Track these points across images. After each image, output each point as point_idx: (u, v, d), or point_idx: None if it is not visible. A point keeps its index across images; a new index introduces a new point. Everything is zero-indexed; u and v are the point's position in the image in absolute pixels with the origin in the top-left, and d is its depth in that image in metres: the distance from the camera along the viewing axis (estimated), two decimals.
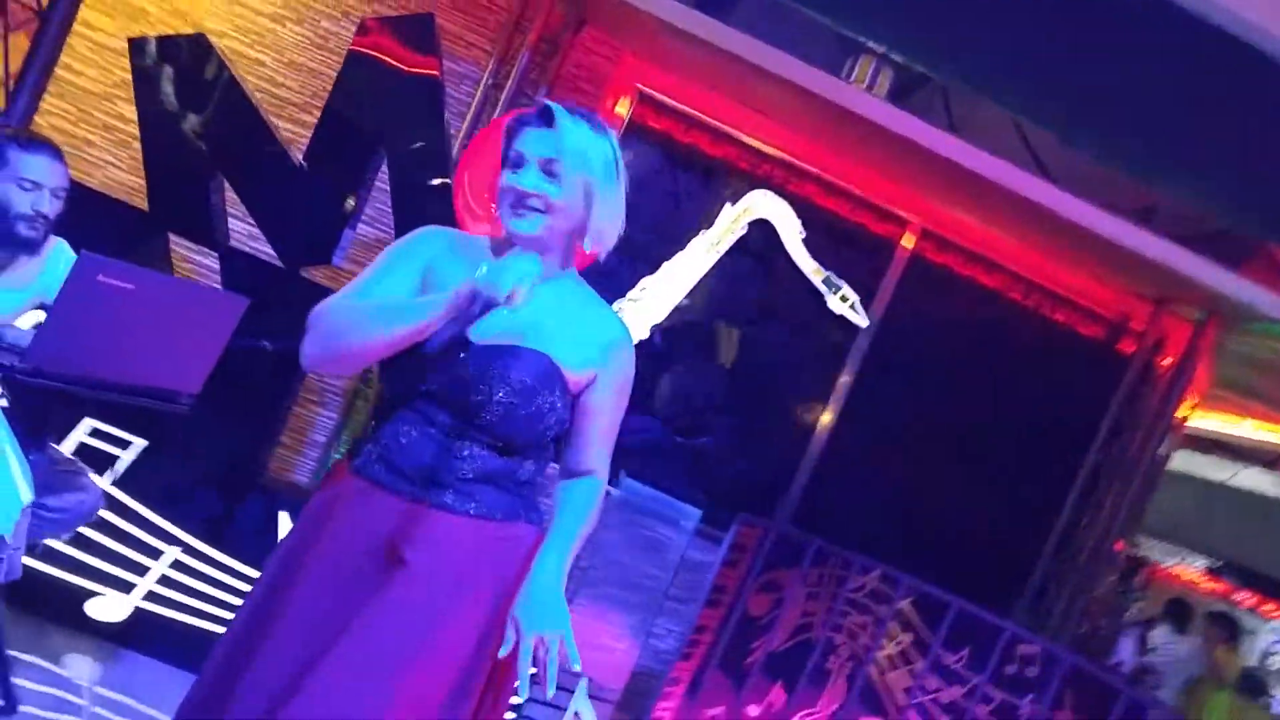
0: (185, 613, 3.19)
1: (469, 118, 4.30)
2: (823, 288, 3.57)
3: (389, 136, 3.42)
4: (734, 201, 3.76)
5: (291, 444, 4.27)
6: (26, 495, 2.26)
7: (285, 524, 3.28)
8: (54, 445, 2.80)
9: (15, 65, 3.49)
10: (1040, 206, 4.15)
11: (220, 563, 3.23)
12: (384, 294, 1.75)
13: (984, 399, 4.86)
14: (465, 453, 1.72)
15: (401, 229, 3.40)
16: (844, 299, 3.58)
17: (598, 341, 1.79)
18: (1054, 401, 4.90)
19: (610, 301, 3.28)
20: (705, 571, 3.47)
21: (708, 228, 3.75)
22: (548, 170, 1.71)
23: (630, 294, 3.53)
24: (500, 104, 4.31)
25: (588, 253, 1.83)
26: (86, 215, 2.82)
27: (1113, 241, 4.20)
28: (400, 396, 1.74)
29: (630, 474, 3.53)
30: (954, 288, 4.85)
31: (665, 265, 3.55)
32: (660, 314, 3.52)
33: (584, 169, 1.72)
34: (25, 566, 2.99)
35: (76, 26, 4.01)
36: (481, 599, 1.74)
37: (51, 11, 3.37)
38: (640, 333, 3.50)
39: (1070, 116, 4.24)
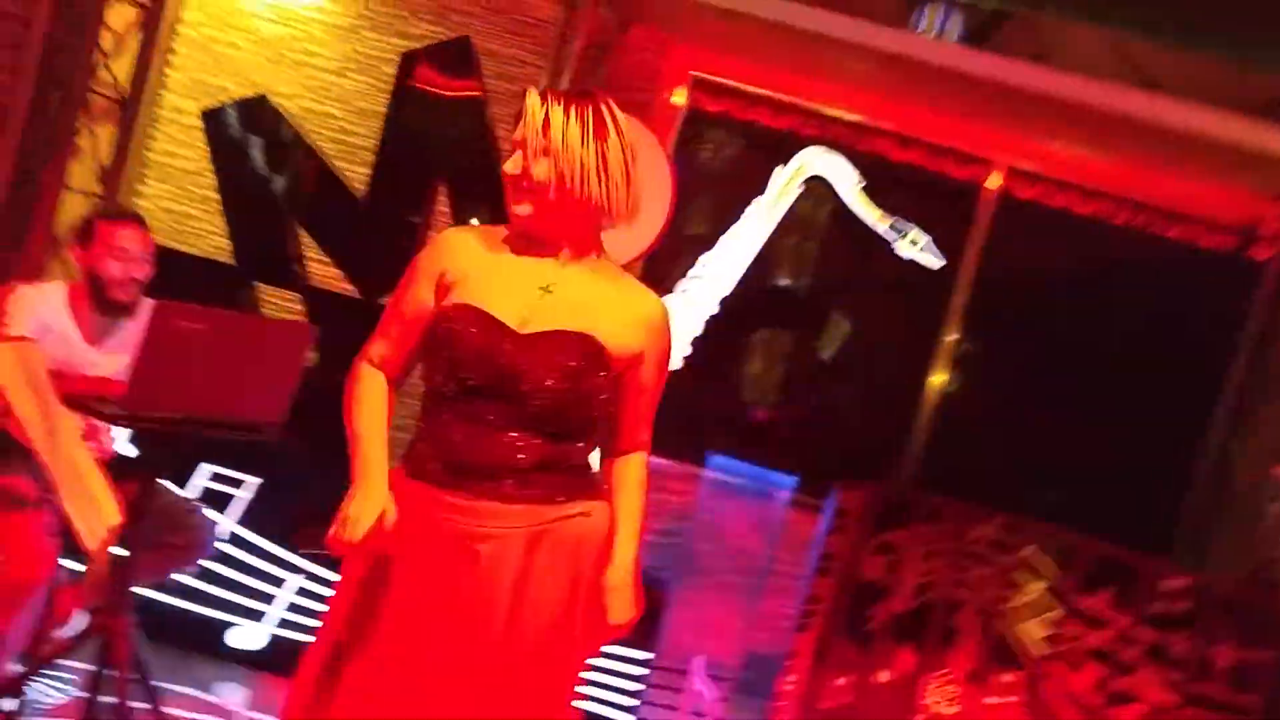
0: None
1: None
2: (890, 234, 3.50)
3: (443, 161, 3.57)
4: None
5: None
6: (115, 517, 2.46)
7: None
8: (169, 486, 3.05)
9: (106, 150, 3.83)
10: (1150, 121, 3.95)
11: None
12: (408, 311, 1.83)
13: (1100, 332, 4.62)
14: (519, 443, 1.74)
15: None
16: (913, 242, 3.50)
17: (639, 319, 1.82)
18: (1180, 323, 4.62)
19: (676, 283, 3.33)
20: (807, 543, 3.43)
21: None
22: (538, 150, 1.74)
23: (691, 272, 3.56)
24: None
25: (612, 226, 1.85)
26: (184, 277, 3.08)
27: (1238, 143, 3.95)
28: (446, 393, 1.77)
29: (722, 450, 3.55)
30: (1051, 221, 4.64)
31: (722, 239, 3.57)
32: (724, 289, 3.53)
33: (577, 151, 1.74)
34: (164, 603, 3.27)
35: (166, 112, 4.37)
36: (557, 579, 1.78)
37: (133, 99, 3.69)
38: (708, 309, 3.52)
39: (1185, 18, 4.01)
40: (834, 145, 4.36)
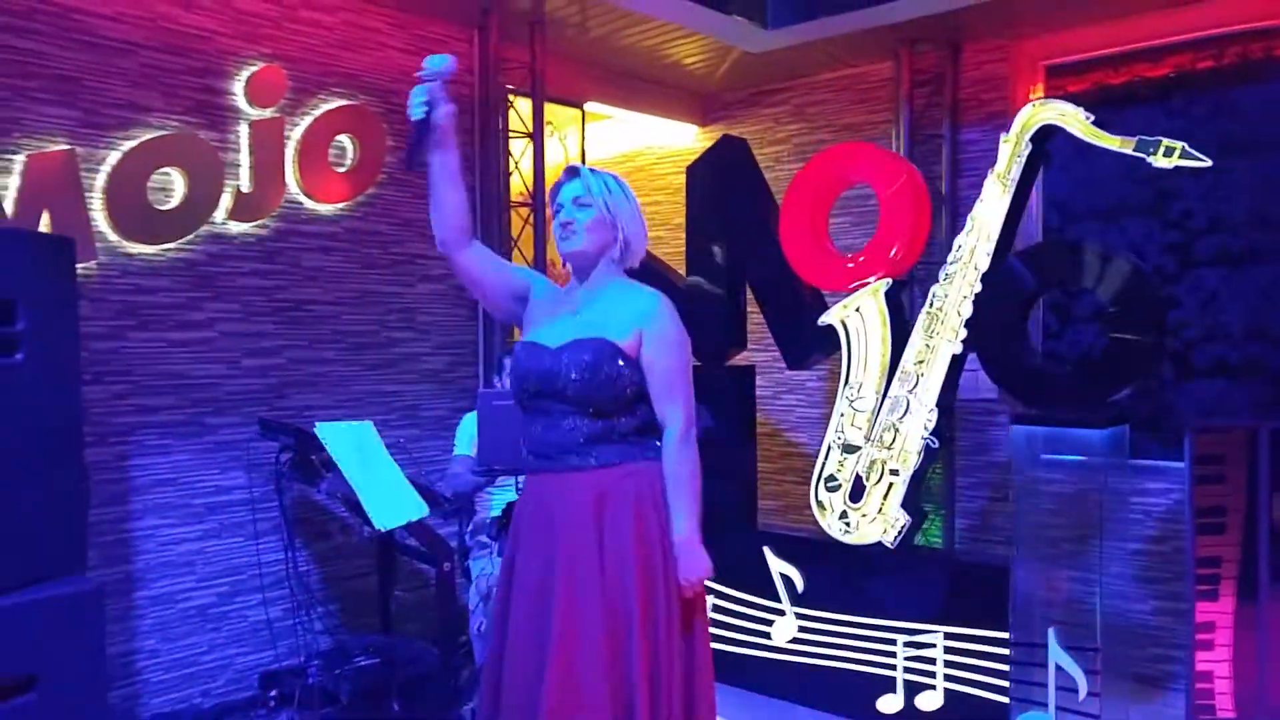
0: (724, 643, 4.13)
1: None
2: (1140, 154, 3.14)
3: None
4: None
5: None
6: (423, 509, 3.57)
7: (769, 557, 4.06)
8: None
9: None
10: None
11: (734, 595, 4.15)
12: (510, 267, 2.66)
13: None
14: (570, 425, 2.40)
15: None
16: (1167, 152, 3.10)
17: (635, 311, 2.42)
18: None
19: None
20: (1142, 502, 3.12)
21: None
22: (577, 203, 2.45)
23: (949, 258, 3.60)
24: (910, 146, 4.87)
25: (628, 267, 2.50)
26: None
27: None
28: (524, 405, 2.52)
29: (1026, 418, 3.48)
30: None
31: (969, 218, 3.57)
32: (982, 265, 3.51)
33: (603, 199, 2.43)
34: None
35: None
36: (621, 528, 2.36)
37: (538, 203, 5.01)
38: (970, 288, 3.54)
39: None
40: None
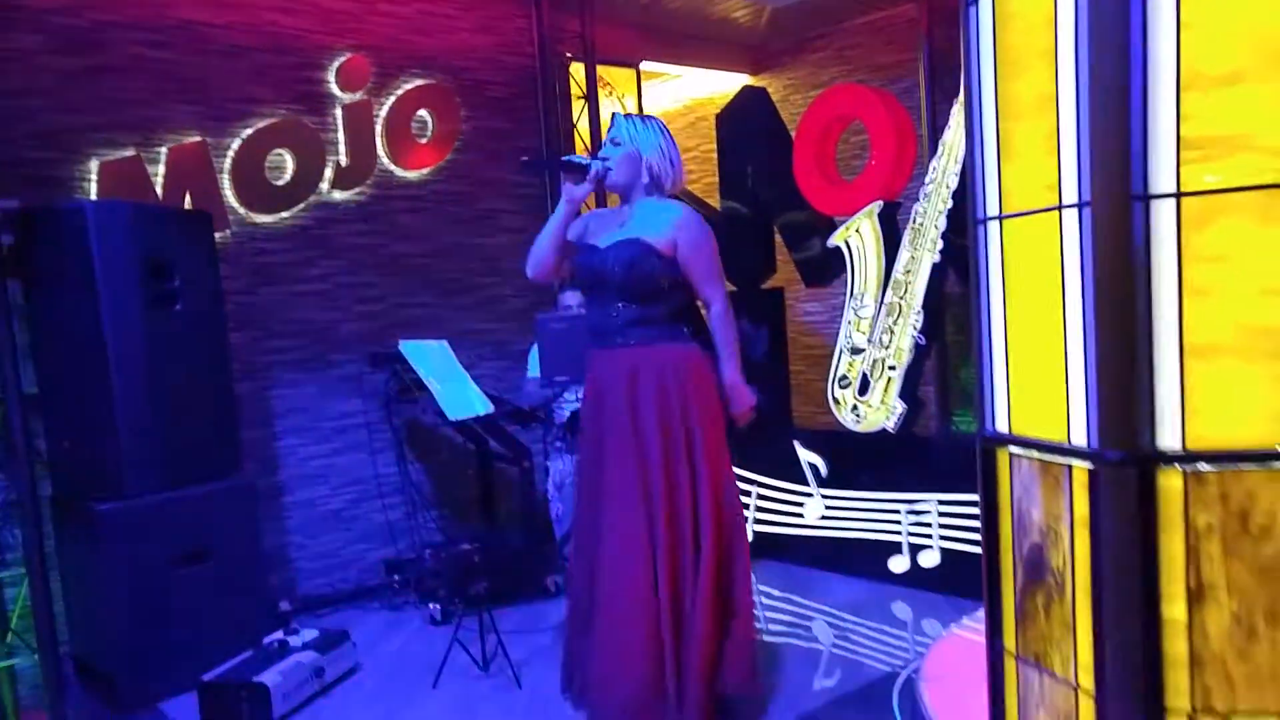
0: (764, 524, 4.91)
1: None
2: None
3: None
4: None
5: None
6: (487, 406, 4.44)
7: (800, 451, 4.80)
8: None
9: None
10: None
11: (771, 484, 4.91)
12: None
13: None
14: (616, 311, 3.20)
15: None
16: None
17: (667, 221, 3.16)
18: None
19: None
20: None
21: None
22: (613, 143, 3.22)
23: (925, 179, 4.23)
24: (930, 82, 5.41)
25: (669, 193, 3.29)
26: None
27: None
28: (585, 295, 3.34)
29: None
30: None
31: (939, 143, 4.18)
32: (953, 187, 4.14)
33: (629, 137, 3.18)
34: None
35: None
36: (658, 394, 3.14)
37: None
38: (946, 203, 4.16)
39: None
40: None
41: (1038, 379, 1.79)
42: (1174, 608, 1.62)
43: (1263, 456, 1.57)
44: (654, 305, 3.15)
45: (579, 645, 3.27)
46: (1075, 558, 1.72)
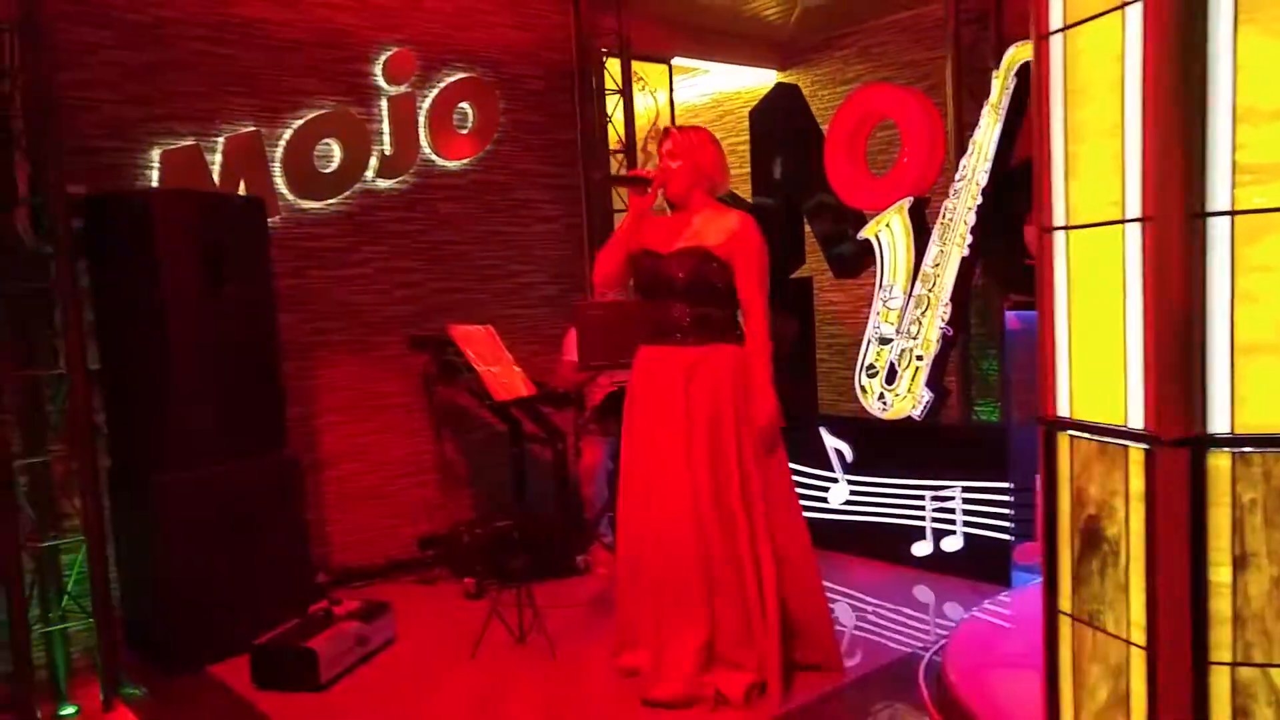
0: None
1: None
2: None
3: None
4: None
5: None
6: (530, 389, 4.66)
7: (825, 436, 5.07)
8: None
9: None
10: None
11: (798, 469, 5.17)
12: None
13: None
14: (676, 312, 3.48)
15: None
16: None
17: (725, 229, 3.44)
18: None
19: None
20: None
21: None
22: (671, 156, 3.51)
23: (956, 177, 4.48)
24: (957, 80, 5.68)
25: (718, 195, 3.58)
26: None
27: None
28: (647, 295, 3.55)
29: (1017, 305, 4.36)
30: None
31: (970, 142, 4.43)
32: (981, 181, 4.38)
33: (689, 153, 3.48)
34: None
35: None
36: (704, 386, 3.42)
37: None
38: (975, 199, 4.41)
39: None
40: None
41: (1098, 370, 2.05)
42: (1219, 572, 1.88)
43: None
44: (713, 306, 3.43)
45: (631, 618, 3.57)
46: (1130, 529, 1.98)
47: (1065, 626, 2.17)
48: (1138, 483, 1.95)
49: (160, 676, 3.95)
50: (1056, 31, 2.08)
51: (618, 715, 3.42)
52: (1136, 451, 1.96)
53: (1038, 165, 2.14)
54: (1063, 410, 2.16)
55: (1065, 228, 2.10)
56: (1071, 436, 2.14)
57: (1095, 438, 2.06)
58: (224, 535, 4.12)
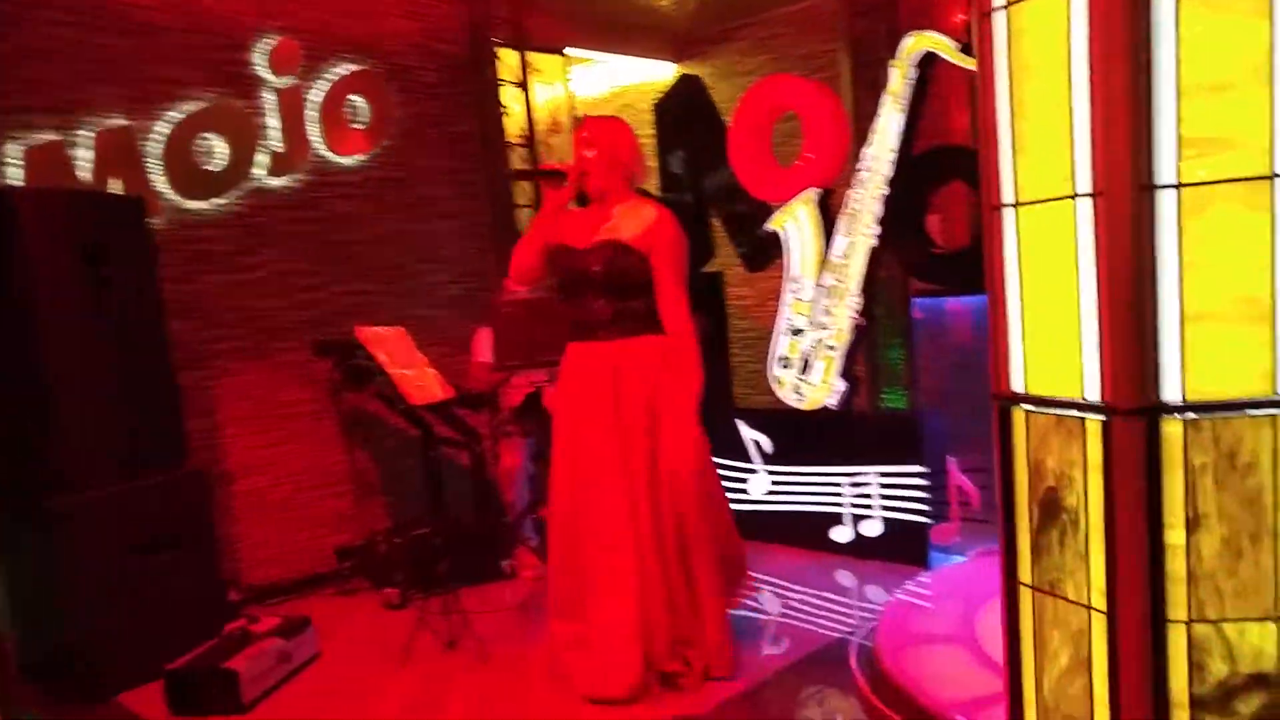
0: None
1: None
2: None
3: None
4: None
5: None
6: (448, 391, 4.57)
7: (742, 429, 5.10)
8: None
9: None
10: None
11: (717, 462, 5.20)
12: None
13: None
14: (598, 306, 3.43)
15: None
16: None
17: (643, 222, 3.41)
18: None
19: None
20: None
21: None
22: (588, 147, 3.44)
23: (859, 167, 4.59)
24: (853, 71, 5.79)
25: (632, 189, 3.52)
26: None
27: None
28: (566, 291, 3.50)
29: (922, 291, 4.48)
30: None
31: (871, 132, 4.55)
32: (885, 169, 4.49)
33: (606, 143, 3.42)
34: None
35: None
36: (632, 378, 3.41)
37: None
38: (879, 189, 4.52)
39: None
40: None
41: (1051, 346, 2.11)
42: (1174, 534, 1.95)
43: (1247, 405, 1.91)
44: (633, 300, 3.41)
45: (564, 629, 3.54)
46: (1089, 498, 2.04)
47: (1026, 597, 2.23)
48: (1096, 453, 2.01)
49: (64, 708, 3.75)
50: (1000, 8, 2.13)
51: (559, 712, 3.40)
52: (1094, 423, 2.02)
53: (983, 143, 2.19)
54: (1017, 386, 2.21)
55: (1015, 204, 2.15)
56: (1027, 411, 2.19)
57: (1052, 411, 2.12)
58: (125, 556, 3.92)
